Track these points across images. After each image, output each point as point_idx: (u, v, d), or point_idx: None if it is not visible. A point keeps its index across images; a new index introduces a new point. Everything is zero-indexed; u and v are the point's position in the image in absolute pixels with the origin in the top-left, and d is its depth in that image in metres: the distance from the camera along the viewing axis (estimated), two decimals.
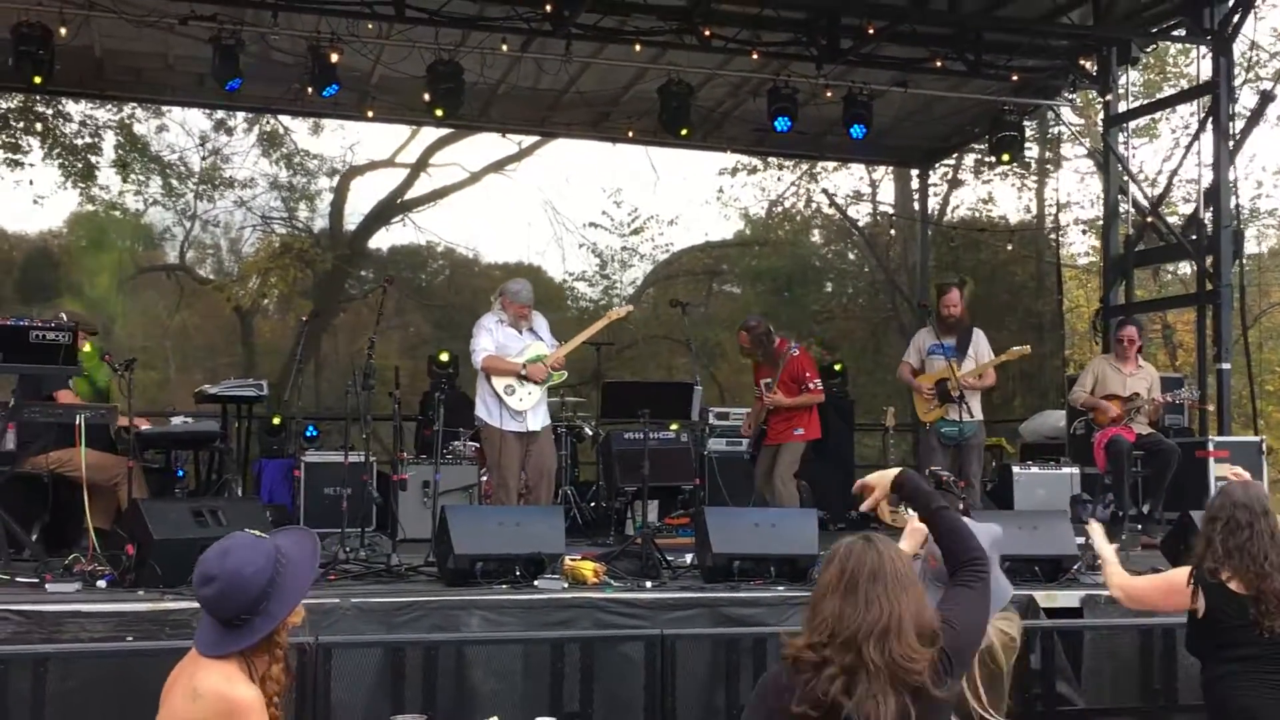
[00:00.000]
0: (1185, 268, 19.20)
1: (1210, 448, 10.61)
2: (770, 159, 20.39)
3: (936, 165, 17.57)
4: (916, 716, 2.91)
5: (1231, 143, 11.69)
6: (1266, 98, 11.89)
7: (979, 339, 9.55)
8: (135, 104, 17.50)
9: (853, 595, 2.96)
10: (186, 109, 17.60)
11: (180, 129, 19.83)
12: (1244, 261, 11.99)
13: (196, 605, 3.92)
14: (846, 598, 2.97)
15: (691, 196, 27.92)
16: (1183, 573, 4.60)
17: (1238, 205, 11.90)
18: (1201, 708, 6.45)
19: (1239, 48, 12.37)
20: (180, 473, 9.69)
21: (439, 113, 11.66)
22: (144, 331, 20.38)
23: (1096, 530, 5.12)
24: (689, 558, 7.83)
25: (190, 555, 6.30)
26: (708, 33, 11.50)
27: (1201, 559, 4.53)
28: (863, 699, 2.87)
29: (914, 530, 3.61)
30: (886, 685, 2.89)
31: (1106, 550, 4.99)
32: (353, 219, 21.75)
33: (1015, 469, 11.27)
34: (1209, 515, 4.57)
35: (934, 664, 2.95)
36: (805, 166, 21.34)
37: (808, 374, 9.71)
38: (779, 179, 22.21)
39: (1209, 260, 11.81)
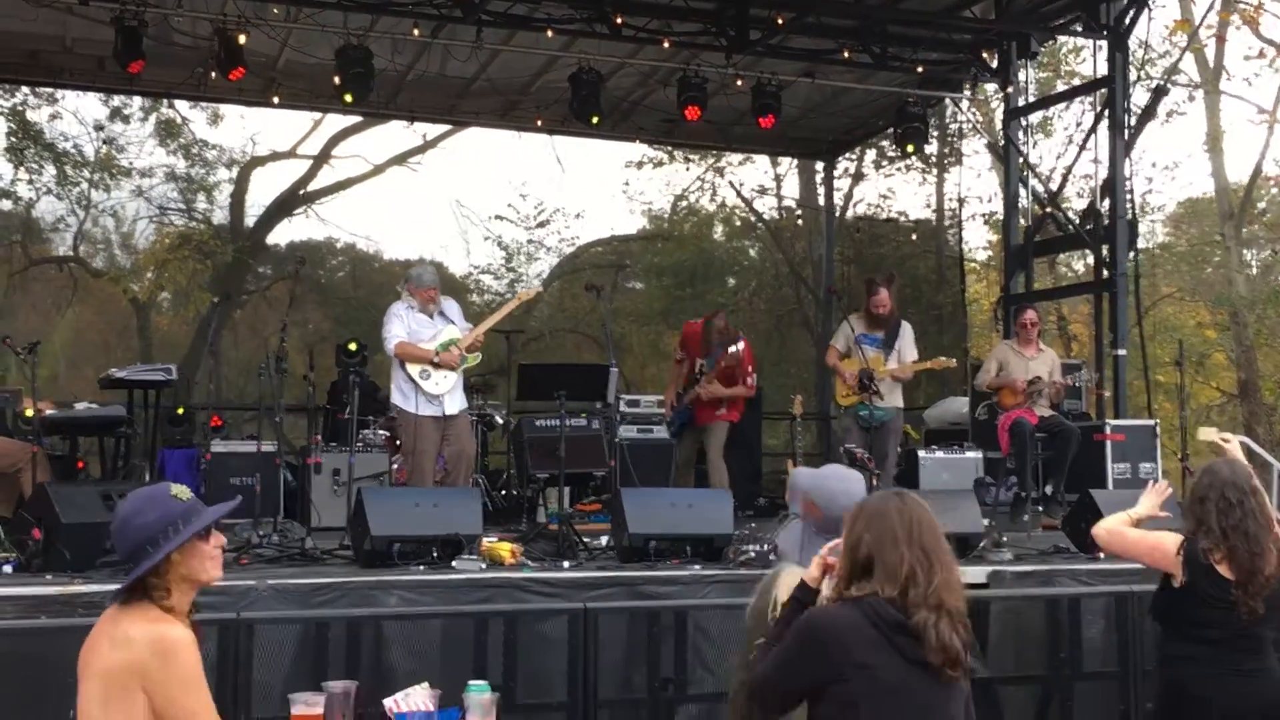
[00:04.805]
0: (1079, 264, 19.69)
1: (1107, 430, 10.92)
2: (677, 152, 20.48)
3: (840, 158, 17.75)
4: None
5: (1126, 134, 12.03)
6: (1160, 91, 12.26)
7: (905, 333, 9.77)
8: (29, 89, 17.05)
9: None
10: (82, 95, 17.23)
11: (73, 117, 19.40)
12: (1138, 253, 12.30)
13: (108, 588, 3.86)
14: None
15: (597, 190, 28.03)
16: (1174, 539, 4.41)
17: (1132, 197, 12.23)
18: (1106, 675, 6.72)
19: (1130, 44, 12.71)
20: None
21: (348, 98, 11.48)
22: (30, 327, 19.78)
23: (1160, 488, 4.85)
24: (604, 540, 7.87)
25: (99, 539, 6.25)
26: (619, 21, 11.55)
27: (1192, 538, 4.37)
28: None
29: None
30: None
31: (1143, 505, 4.75)
32: (253, 211, 21.46)
33: (920, 453, 11.44)
34: (1196, 495, 4.39)
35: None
36: (711, 160, 21.45)
37: (750, 368, 10.13)
38: (687, 170, 22.33)
39: (1105, 249, 12.15)
